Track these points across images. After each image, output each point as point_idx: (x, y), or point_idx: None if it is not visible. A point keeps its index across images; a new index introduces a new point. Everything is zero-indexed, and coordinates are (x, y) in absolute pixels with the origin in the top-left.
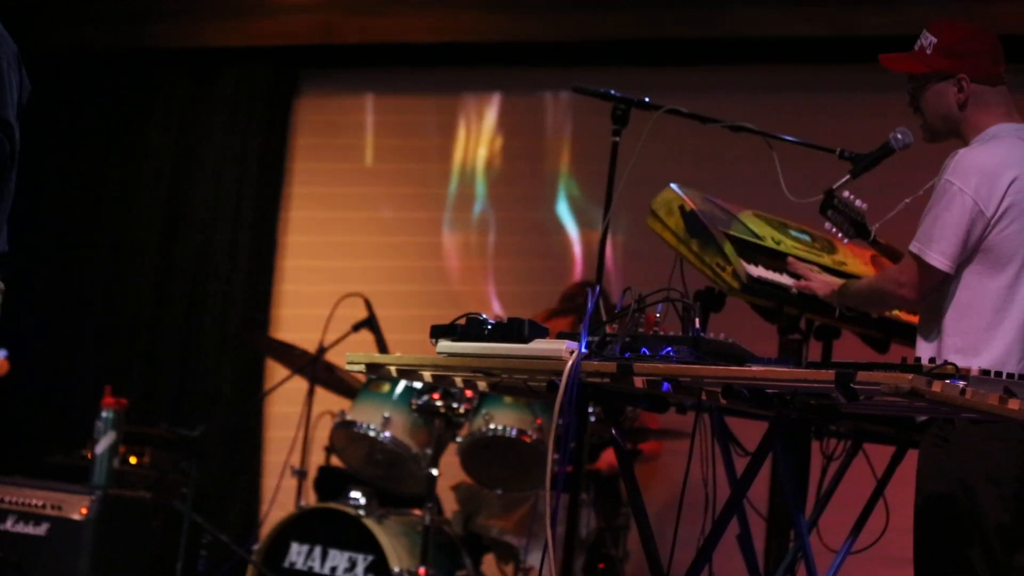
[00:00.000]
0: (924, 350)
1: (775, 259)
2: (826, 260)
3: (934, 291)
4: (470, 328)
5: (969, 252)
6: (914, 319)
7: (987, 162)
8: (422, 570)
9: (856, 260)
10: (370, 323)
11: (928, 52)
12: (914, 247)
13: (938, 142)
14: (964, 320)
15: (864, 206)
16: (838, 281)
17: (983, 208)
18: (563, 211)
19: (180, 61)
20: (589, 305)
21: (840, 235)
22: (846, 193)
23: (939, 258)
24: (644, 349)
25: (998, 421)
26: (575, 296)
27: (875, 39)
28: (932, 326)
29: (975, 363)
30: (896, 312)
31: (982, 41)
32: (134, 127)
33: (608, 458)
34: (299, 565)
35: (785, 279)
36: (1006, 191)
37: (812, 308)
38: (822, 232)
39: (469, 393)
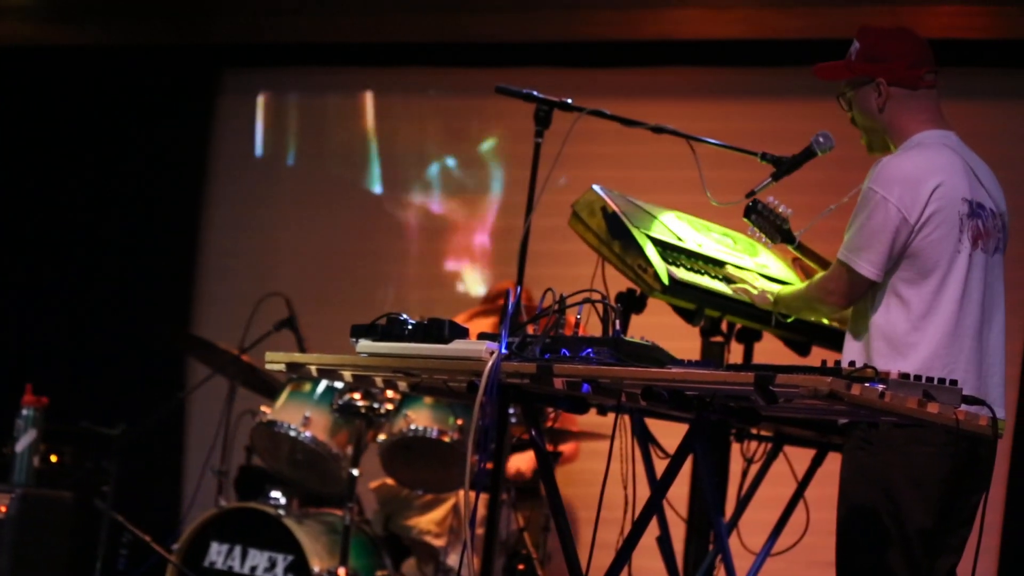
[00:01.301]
0: (851, 353)
1: (697, 261)
2: (748, 263)
3: (863, 297)
4: (391, 328)
5: (895, 259)
6: (834, 323)
7: (909, 170)
8: (342, 570)
9: (779, 263)
10: (291, 323)
11: (852, 59)
12: (843, 255)
13: (876, 153)
14: (890, 325)
15: (789, 211)
16: (773, 289)
17: (907, 215)
18: (492, 212)
19: (102, 57)
20: (509, 306)
21: (764, 240)
22: (770, 198)
23: (867, 267)
24: (564, 350)
25: (922, 425)
26: (497, 297)
27: (797, 43)
28: (860, 330)
29: (900, 366)
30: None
31: (900, 44)
32: (56, 123)
33: (516, 464)
34: (219, 564)
35: (707, 281)
36: (929, 198)
37: (733, 311)
38: (745, 234)
39: (390, 393)
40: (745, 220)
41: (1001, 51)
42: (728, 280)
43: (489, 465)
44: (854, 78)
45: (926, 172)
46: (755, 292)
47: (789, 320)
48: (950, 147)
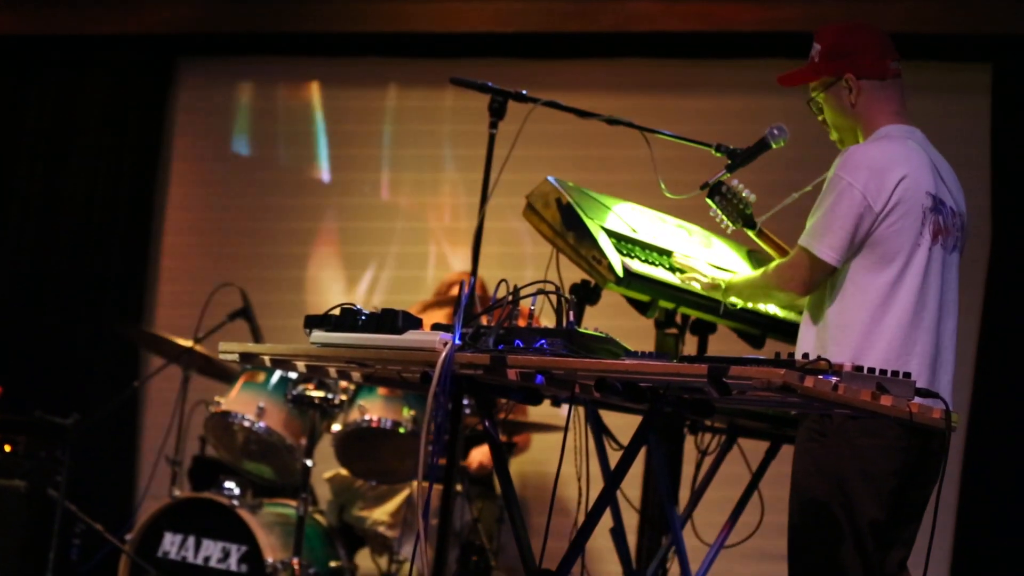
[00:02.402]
0: (806, 341)
1: (651, 252)
2: (704, 254)
3: (820, 284)
4: (344, 319)
5: (856, 246)
6: (790, 315)
7: (877, 158)
8: (295, 561)
9: (735, 255)
10: (245, 312)
11: (816, 60)
12: (803, 241)
13: (845, 146)
14: (847, 313)
15: (752, 196)
16: (723, 277)
17: (871, 202)
18: (445, 200)
19: (52, 48)
20: (463, 297)
21: (725, 224)
22: (735, 182)
23: (828, 252)
24: (518, 341)
25: (874, 417)
26: (448, 289)
27: (750, 35)
28: (816, 318)
29: (856, 355)
30: (771, 309)
31: (863, 36)
32: (6, 116)
33: (478, 457)
34: (172, 555)
35: (661, 272)
36: (895, 188)
37: (687, 303)
38: (701, 227)
39: (344, 384)
40: (708, 201)
41: (955, 45)
42: (678, 270)
43: (442, 461)
44: (822, 79)
45: (893, 162)
46: (704, 280)
47: (737, 307)
48: (916, 142)
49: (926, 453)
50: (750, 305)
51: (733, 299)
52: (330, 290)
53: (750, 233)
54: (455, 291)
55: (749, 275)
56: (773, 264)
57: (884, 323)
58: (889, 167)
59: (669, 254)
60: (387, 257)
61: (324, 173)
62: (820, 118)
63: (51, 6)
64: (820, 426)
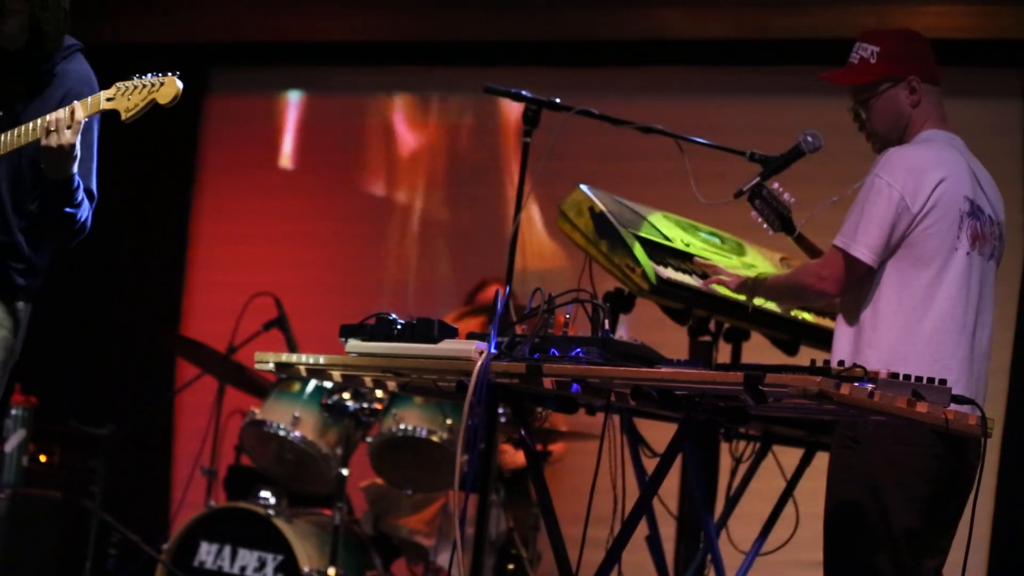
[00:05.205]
0: (841, 343)
1: (684, 260)
2: (735, 262)
3: (855, 286)
4: (379, 328)
5: (893, 247)
6: (823, 321)
7: (916, 160)
8: (331, 570)
9: (767, 262)
10: (280, 322)
11: (872, 61)
12: (839, 241)
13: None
14: (883, 315)
15: (792, 200)
16: (749, 275)
17: (909, 203)
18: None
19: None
20: (499, 306)
21: (765, 226)
22: (775, 185)
23: (864, 251)
24: (553, 350)
25: (908, 424)
26: (475, 293)
27: (783, 42)
28: (851, 320)
29: (893, 359)
30: (804, 314)
31: (922, 43)
32: None
33: (514, 456)
34: (208, 564)
35: (694, 280)
36: (933, 189)
37: (721, 309)
38: (733, 234)
39: (379, 393)
40: (749, 204)
41: (987, 51)
42: (701, 275)
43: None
44: (880, 79)
45: (932, 165)
46: (727, 279)
47: (763, 307)
48: (956, 149)
49: (963, 461)
50: (777, 307)
51: (761, 296)
52: (367, 301)
53: (789, 238)
54: (480, 297)
55: (778, 273)
56: (804, 264)
57: (922, 326)
58: (928, 169)
59: (691, 259)
60: (425, 270)
61: (364, 184)
62: (857, 123)
63: (84, 18)
64: (853, 432)
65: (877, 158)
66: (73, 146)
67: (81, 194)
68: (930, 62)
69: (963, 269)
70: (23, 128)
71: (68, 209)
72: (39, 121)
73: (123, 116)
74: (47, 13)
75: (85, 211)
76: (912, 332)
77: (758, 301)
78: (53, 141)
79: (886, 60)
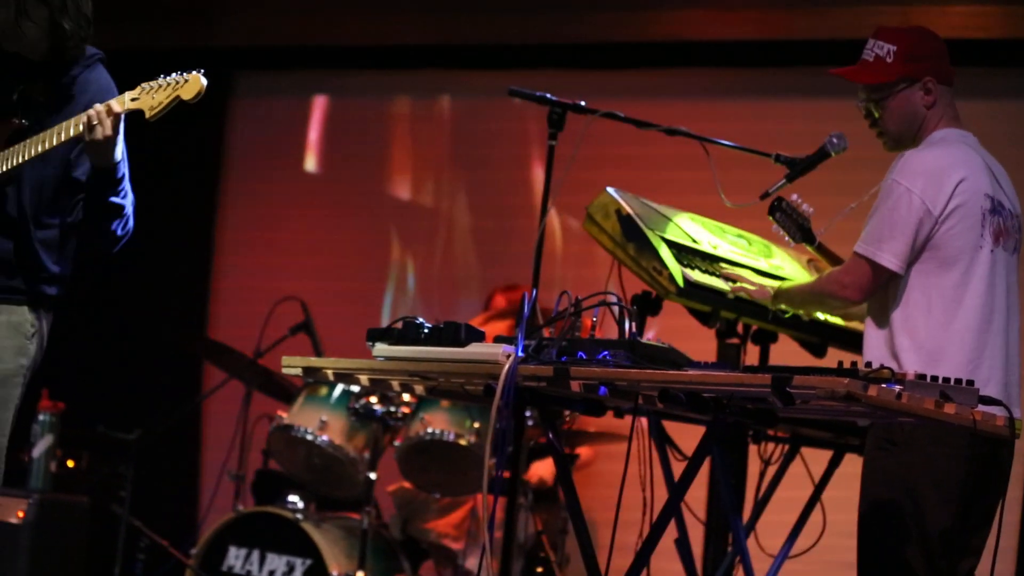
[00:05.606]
0: (873, 347)
1: (712, 263)
2: (763, 264)
3: (879, 292)
4: (407, 331)
5: (917, 251)
6: (852, 324)
7: (934, 162)
8: (360, 574)
9: (794, 264)
10: (306, 326)
11: (889, 60)
12: (861, 248)
13: (901, 149)
14: (913, 319)
15: (811, 211)
16: (773, 284)
17: (930, 207)
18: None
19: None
20: (526, 309)
21: (786, 238)
22: (794, 196)
23: (890, 258)
24: (581, 353)
25: (943, 425)
26: (493, 296)
27: (805, 43)
28: (880, 323)
29: (927, 362)
30: (832, 317)
31: (938, 43)
32: None
33: (539, 471)
34: (237, 569)
35: (721, 283)
36: (953, 191)
37: (748, 312)
38: (759, 236)
39: (407, 397)
40: (769, 218)
41: (1013, 51)
42: (728, 279)
43: (506, 474)
44: (897, 80)
45: (950, 166)
46: (752, 288)
47: (787, 316)
48: (970, 146)
49: (996, 461)
50: (801, 313)
51: (783, 306)
52: (393, 305)
53: (809, 248)
54: (498, 302)
55: (802, 282)
56: (827, 272)
57: (954, 327)
58: (946, 171)
59: (729, 264)
60: (450, 273)
61: (388, 188)
62: (868, 120)
63: (108, 23)
64: (889, 434)
65: (893, 162)
66: (116, 135)
67: (127, 185)
68: (945, 62)
69: (989, 267)
70: (48, 134)
71: (114, 199)
72: (62, 126)
73: (147, 114)
74: (68, 21)
75: (130, 204)
76: (944, 333)
77: (779, 308)
78: (98, 134)
79: (903, 60)
